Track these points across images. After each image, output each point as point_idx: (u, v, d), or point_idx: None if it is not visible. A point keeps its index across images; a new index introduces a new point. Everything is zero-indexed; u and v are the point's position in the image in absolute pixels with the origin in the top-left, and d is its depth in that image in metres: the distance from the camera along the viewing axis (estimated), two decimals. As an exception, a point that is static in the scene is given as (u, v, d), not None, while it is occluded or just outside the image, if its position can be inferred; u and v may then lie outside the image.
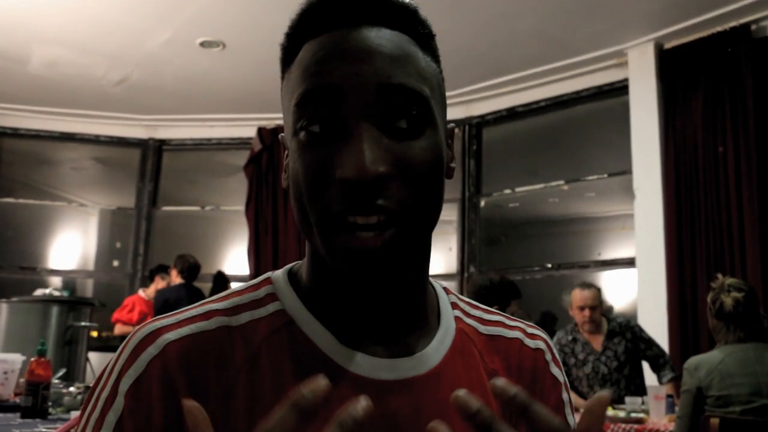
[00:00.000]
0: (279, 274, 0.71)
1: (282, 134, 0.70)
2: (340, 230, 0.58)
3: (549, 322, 5.68)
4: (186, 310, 0.66)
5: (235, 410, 0.61)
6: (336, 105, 0.59)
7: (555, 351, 0.77)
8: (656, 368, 3.70)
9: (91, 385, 0.76)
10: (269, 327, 0.65)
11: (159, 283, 5.46)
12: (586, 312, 3.72)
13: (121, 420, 0.59)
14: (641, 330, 3.75)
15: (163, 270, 5.52)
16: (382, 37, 0.62)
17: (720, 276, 2.91)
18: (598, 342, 3.75)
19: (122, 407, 0.60)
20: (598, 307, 3.75)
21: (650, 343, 3.73)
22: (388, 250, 0.58)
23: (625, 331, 3.73)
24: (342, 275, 0.63)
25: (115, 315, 5.42)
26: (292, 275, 0.70)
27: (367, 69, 0.59)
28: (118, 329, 5.38)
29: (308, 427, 0.60)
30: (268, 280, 0.70)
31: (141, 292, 5.57)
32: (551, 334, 5.48)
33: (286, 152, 0.69)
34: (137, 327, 0.65)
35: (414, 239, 0.61)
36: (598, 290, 3.79)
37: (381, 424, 0.62)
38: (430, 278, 0.75)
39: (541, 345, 0.75)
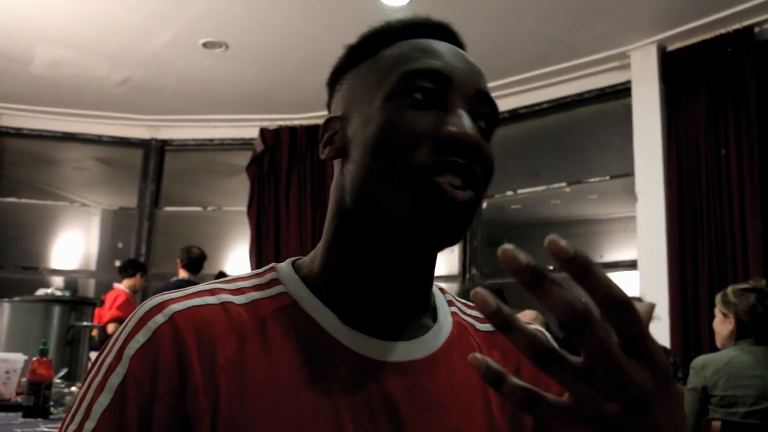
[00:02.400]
0: (283, 264, 0.73)
1: (332, 115, 0.72)
2: (433, 179, 0.61)
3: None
4: (190, 289, 0.67)
5: (247, 374, 0.62)
6: (442, 86, 0.65)
7: (553, 342, 0.76)
8: None
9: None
10: (274, 305, 0.67)
11: (138, 280, 5.37)
12: None
13: (125, 382, 0.60)
14: (679, 363, 3.78)
15: (140, 267, 5.46)
16: (466, 54, 0.72)
17: (754, 280, 2.89)
18: None
19: (126, 370, 0.60)
20: (647, 321, 3.72)
21: (665, 350, 3.78)
22: (470, 210, 0.64)
23: (667, 356, 3.74)
24: (395, 239, 0.65)
25: (107, 314, 5.25)
26: (295, 266, 0.73)
27: (471, 71, 0.69)
28: (112, 327, 5.14)
29: (308, 398, 0.62)
30: (272, 269, 0.72)
31: (120, 285, 5.39)
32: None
33: (332, 131, 0.71)
34: (145, 300, 0.66)
35: (475, 215, 0.66)
36: (651, 306, 3.72)
37: (378, 403, 0.64)
38: None
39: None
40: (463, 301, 0.79)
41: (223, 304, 0.65)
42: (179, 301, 0.64)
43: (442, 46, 0.69)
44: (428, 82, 0.65)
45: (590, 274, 0.46)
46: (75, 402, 0.62)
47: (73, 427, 0.60)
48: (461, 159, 0.62)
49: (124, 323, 0.64)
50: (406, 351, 0.67)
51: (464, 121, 0.63)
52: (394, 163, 0.63)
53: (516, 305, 3.40)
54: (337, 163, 0.71)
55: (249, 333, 0.64)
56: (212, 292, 0.66)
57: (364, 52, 0.72)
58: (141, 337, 0.61)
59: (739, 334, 2.77)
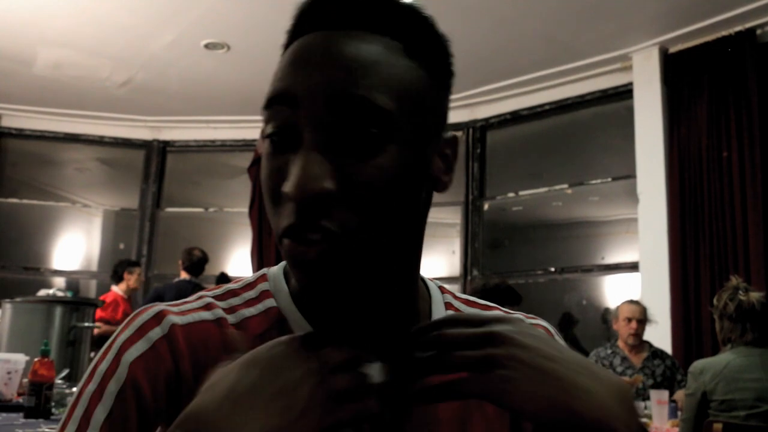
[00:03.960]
0: (275, 271, 0.71)
1: None
2: (292, 241, 0.56)
3: (567, 324, 5.68)
4: (186, 301, 0.67)
5: None
6: (292, 114, 0.56)
7: (558, 336, 0.75)
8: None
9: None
10: (262, 326, 0.65)
11: (129, 279, 5.36)
12: (633, 324, 3.74)
13: (124, 389, 0.59)
14: (679, 365, 3.79)
15: (129, 265, 5.45)
16: (354, 44, 0.57)
17: (734, 278, 2.90)
18: (637, 359, 3.77)
19: (125, 377, 0.59)
20: (644, 322, 3.79)
21: (665, 354, 3.80)
22: (330, 265, 0.55)
23: (665, 358, 3.78)
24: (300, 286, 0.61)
25: (98, 313, 5.22)
26: (287, 272, 0.70)
27: (320, 78, 0.55)
28: (99, 329, 5.09)
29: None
30: (264, 277, 0.70)
31: (116, 288, 5.38)
32: (569, 336, 5.50)
33: None
34: (140, 308, 0.65)
35: (359, 260, 0.56)
36: (645, 308, 3.83)
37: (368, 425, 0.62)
38: (427, 279, 0.74)
39: (542, 332, 0.74)
40: (464, 298, 0.76)
41: (218, 321, 0.65)
42: (177, 314, 0.63)
43: (307, 48, 0.58)
44: (277, 115, 0.57)
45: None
46: (66, 413, 0.60)
47: None
48: (302, 219, 0.55)
49: (118, 331, 0.63)
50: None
51: (299, 170, 0.53)
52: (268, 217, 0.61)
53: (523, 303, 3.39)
54: None
55: (240, 354, 0.63)
56: (207, 307, 0.65)
57: (284, 49, 0.64)
58: (141, 346, 0.61)
59: (739, 334, 2.76)
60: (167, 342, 0.61)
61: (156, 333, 0.61)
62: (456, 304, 0.74)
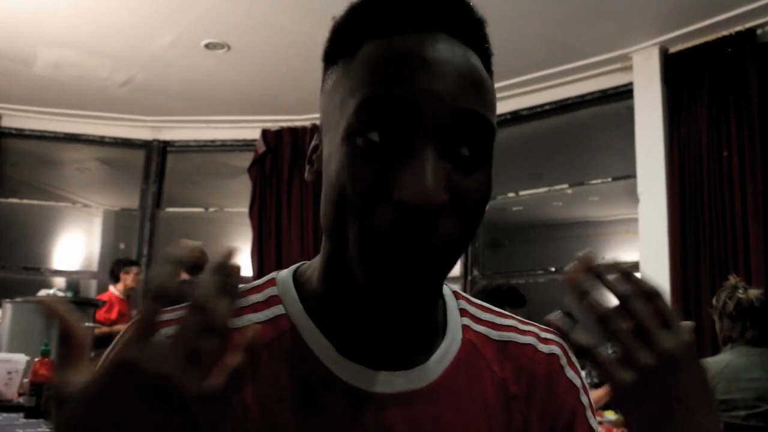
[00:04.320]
0: (284, 275, 0.69)
1: (316, 124, 0.68)
2: (386, 254, 0.54)
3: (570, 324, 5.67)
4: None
5: (236, 405, 0.60)
6: (405, 119, 0.54)
7: (571, 355, 0.74)
8: None
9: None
10: (270, 332, 0.64)
11: (126, 279, 5.36)
12: None
13: None
14: None
15: (125, 265, 5.43)
16: (458, 54, 0.58)
17: (732, 277, 2.90)
18: None
19: None
20: None
21: None
22: (432, 276, 0.56)
23: None
24: (371, 295, 0.58)
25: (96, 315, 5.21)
26: (297, 276, 0.69)
27: (445, 88, 0.55)
28: (96, 330, 5.06)
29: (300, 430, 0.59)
30: (272, 282, 0.69)
31: (113, 288, 5.38)
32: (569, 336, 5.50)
33: (314, 141, 0.67)
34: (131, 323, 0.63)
35: (451, 267, 0.59)
36: None
37: None
38: None
39: (556, 350, 0.73)
40: (479, 303, 0.75)
41: None
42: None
43: (419, 51, 0.56)
44: (390, 114, 0.54)
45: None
46: None
47: None
48: (414, 228, 0.53)
49: (118, 337, 0.61)
50: (406, 381, 0.64)
51: (421, 178, 0.52)
52: (345, 225, 0.56)
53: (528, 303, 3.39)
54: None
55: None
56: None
57: (344, 43, 0.61)
58: None
59: (739, 333, 2.76)
60: None
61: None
62: (471, 310, 0.73)
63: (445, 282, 0.75)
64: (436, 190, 0.53)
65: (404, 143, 0.54)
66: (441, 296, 0.69)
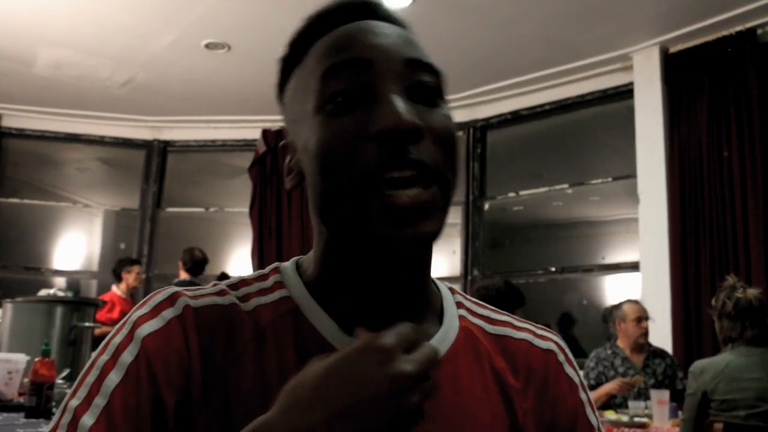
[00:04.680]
0: (287, 264, 0.72)
1: (284, 141, 0.71)
2: (377, 189, 0.58)
3: (567, 323, 5.68)
4: (201, 287, 0.68)
5: (241, 380, 0.62)
6: (365, 75, 0.61)
7: (568, 352, 0.75)
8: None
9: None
10: (275, 312, 0.66)
11: (128, 278, 5.36)
12: (644, 324, 3.72)
13: (137, 360, 0.59)
14: (678, 363, 3.78)
15: (127, 264, 5.44)
16: (390, 26, 0.67)
17: (730, 277, 2.91)
18: (637, 359, 3.74)
19: (139, 350, 0.60)
20: (648, 320, 3.78)
21: (666, 354, 3.79)
22: (431, 207, 0.60)
23: (665, 357, 3.77)
24: (368, 248, 0.61)
25: (97, 315, 5.19)
26: (298, 266, 0.72)
27: (390, 43, 0.64)
28: (97, 330, 4.99)
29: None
30: (276, 270, 0.71)
31: (115, 288, 5.39)
32: (569, 336, 5.50)
33: (288, 157, 0.70)
34: (156, 290, 0.67)
35: (447, 203, 0.62)
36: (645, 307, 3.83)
37: None
38: (436, 279, 0.75)
39: (552, 346, 0.74)
40: (474, 300, 0.77)
41: (231, 306, 0.65)
42: (192, 298, 0.65)
43: (360, 27, 0.65)
44: (347, 76, 0.61)
45: None
46: (78, 381, 0.61)
47: (75, 402, 0.59)
48: (398, 149, 0.58)
49: (134, 309, 0.64)
50: None
51: (392, 108, 0.58)
52: (337, 181, 0.60)
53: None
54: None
55: (251, 338, 0.64)
56: (221, 293, 0.67)
57: (292, 62, 0.70)
58: (155, 323, 0.62)
59: (739, 332, 2.76)
60: (180, 321, 0.62)
61: (170, 312, 0.63)
62: (467, 304, 0.75)
63: (442, 281, 0.76)
64: (408, 113, 0.58)
65: (370, 95, 0.61)
66: (429, 276, 0.70)
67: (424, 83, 0.63)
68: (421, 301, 0.69)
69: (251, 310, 0.66)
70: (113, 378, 0.59)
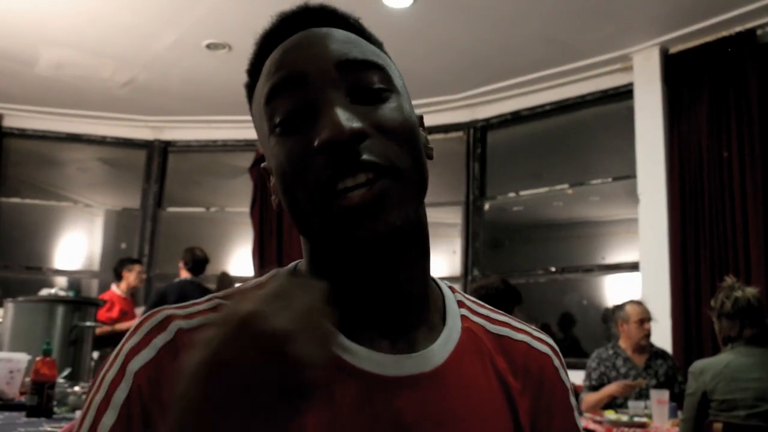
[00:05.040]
0: (284, 270, 0.72)
1: (263, 165, 0.72)
2: (331, 197, 0.59)
3: (568, 324, 5.68)
4: (194, 303, 0.66)
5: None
6: (302, 90, 0.62)
7: (561, 357, 0.76)
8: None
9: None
10: None
11: (128, 277, 5.37)
12: (647, 325, 3.71)
13: (129, 398, 0.59)
14: (679, 366, 3.78)
15: (128, 263, 5.45)
16: (333, 30, 0.66)
17: (728, 277, 2.91)
18: (639, 360, 3.73)
19: (131, 386, 0.59)
20: (650, 321, 3.77)
21: (666, 355, 3.79)
22: (383, 200, 0.59)
23: (667, 358, 3.76)
24: (342, 254, 0.62)
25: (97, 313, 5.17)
26: (296, 273, 0.71)
27: (323, 51, 0.63)
28: (98, 330, 4.96)
29: (313, 417, 0.59)
30: (274, 278, 0.70)
31: (115, 288, 5.38)
32: (569, 336, 5.50)
33: (271, 179, 0.70)
34: (146, 314, 0.65)
35: (403, 190, 0.61)
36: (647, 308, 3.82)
37: (386, 422, 0.62)
38: (436, 278, 0.75)
39: (548, 351, 0.75)
40: (473, 299, 0.77)
41: None
42: (184, 318, 0.63)
43: (294, 41, 0.65)
44: (287, 96, 0.62)
45: None
46: (78, 421, 0.60)
47: None
48: (342, 158, 0.58)
49: (125, 338, 0.63)
50: (413, 364, 0.65)
51: (331, 119, 0.58)
52: (298, 198, 0.61)
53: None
54: None
55: None
56: (216, 309, 0.65)
57: (252, 77, 0.71)
58: (146, 354, 0.61)
59: (738, 331, 2.77)
60: (171, 348, 0.61)
61: (161, 339, 0.61)
62: (468, 303, 0.75)
63: (443, 280, 0.76)
64: (347, 120, 0.58)
65: (312, 109, 0.61)
66: (427, 275, 0.69)
67: (365, 82, 0.63)
68: (421, 300, 0.69)
69: None
70: (108, 420, 0.58)
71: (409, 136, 0.63)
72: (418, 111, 0.70)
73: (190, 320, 0.63)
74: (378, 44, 0.70)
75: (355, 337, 0.64)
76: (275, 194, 0.69)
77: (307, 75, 0.62)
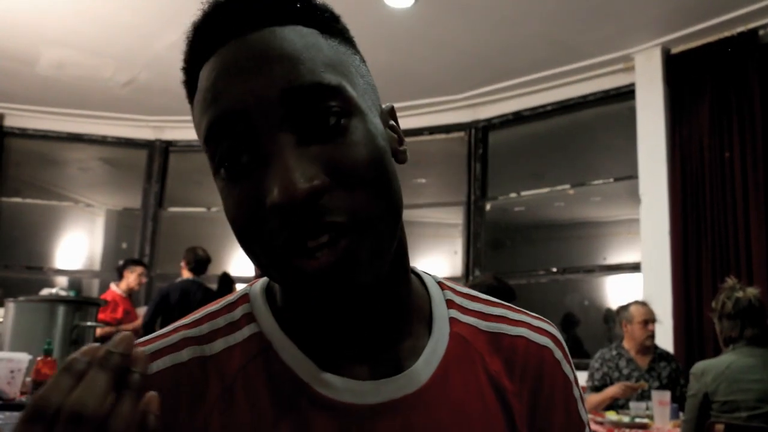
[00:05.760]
0: (257, 289, 0.67)
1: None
2: (292, 260, 0.53)
3: (569, 324, 5.67)
4: (159, 336, 0.62)
5: None
6: (244, 129, 0.53)
7: (564, 346, 0.72)
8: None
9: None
10: (245, 355, 0.61)
11: (129, 277, 5.38)
12: (651, 326, 3.69)
13: None
14: (682, 369, 3.76)
15: (131, 263, 5.46)
16: (276, 39, 0.55)
17: (729, 279, 2.91)
18: (643, 361, 3.71)
19: None
20: (655, 322, 3.75)
21: (669, 355, 3.78)
22: (351, 259, 0.53)
23: (671, 361, 3.74)
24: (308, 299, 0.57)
25: (100, 315, 5.20)
26: (269, 290, 0.67)
27: (264, 80, 0.53)
28: (100, 330, 4.81)
29: None
30: (245, 298, 0.66)
31: (114, 287, 5.37)
32: (571, 336, 5.49)
33: None
34: None
35: (374, 244, 0.54)
36: (652, 309, 3.81)
37: None
38: (423, 273, 0.71)
39: (548, 342, 0.71)
40: (466, 292, 0.72)
41: (191, 361, 0.60)
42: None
43: (233, 59, 0.55)
44: (226, 137, 0.54)
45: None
46: None
47: None
48: (300, 222, 0.52)
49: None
50: (394, 388, 0.61)
51: (282, 175, 0.51)
52: (254, 252, 0.55)
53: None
54: None
55: (217, 398, 0.59)
56: (179, 345, 0.61)
57: (189, 88, 0.63)
58: None
59: (739, 332, 2.76)
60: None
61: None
62: (458, 300, 0.70)
63: (432, 274, 0.72)
64: (301, 178, 0.51)
65: (258, 151, 0.53)
66: (406, 286, 0.65)
67: (317, 113, 0.53)
68: (403, 315, 0.64)
69: (218, 354, 0.61)
70: None
71: (376, 174, 0.54)
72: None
73: (153, 362, 0.59)
74: (332, 29, 0.60)
75: (334, 367, 0.61)
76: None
77: (248, 113, 0.53)
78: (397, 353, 0.63)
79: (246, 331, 0.62)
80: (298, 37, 0.56)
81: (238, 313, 0.64)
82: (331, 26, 0.60)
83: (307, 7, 0.59)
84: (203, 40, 0.58)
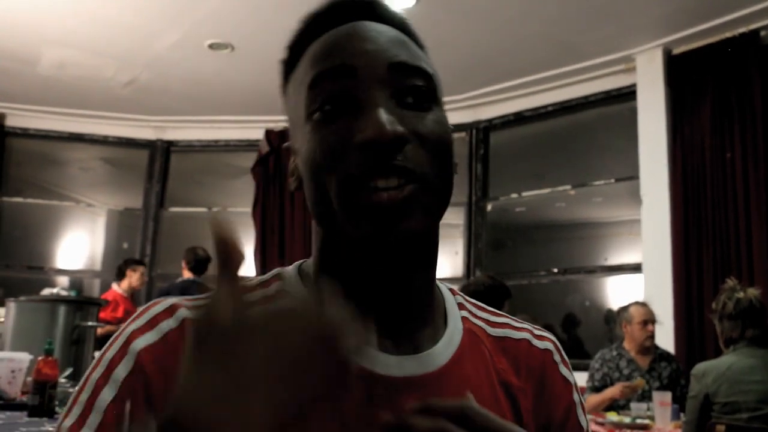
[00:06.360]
0: (289, 270, 0.71)
1: (287, 143, 0.71)
2: (361, 191, 0.59)
3: (570, 325, 5.67)
4: (199, 297, 0.64)
5: None
6: (349, 82, 0.61)
7: (563, 352, 0.77)
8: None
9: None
10: None
11: (132, 277, 5.38)
12: (650, 327, 3.69)
13: (131, 376, 0.58)
14: (682, 369, 3.76)
15: (133, 263, 5.46)
16: (383, 27, 0.66)
17: (730, 280, 2.91)
18: (643, 361, 3.71)
19: (134, 364, 0.58)
20: (655, 323, 3.75)
21: (670, 356, 3.77)
22: (411, 205, 0.59)
23: (671, 361, 3.74)
24: (359, 249, 0.62)
25: (101, 314, 5.16)
26: (301, 272, 0.70)
27: (376, 48, 0.63)
28: (101, 329, 4.58)
29: (320, 418, 0.59)
30: (278, 277, 0.70)
31: (116, 286, 5.38)
32: (572, 337, 5.49)
33: (292, 159, 0.70)
34: (153, 300, 0.64)
35: (431, 203, 0.61)
36: (652, 309, 3.80)
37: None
38: (437, 280, 0.74)
39: (549, 346, 0.75)
40: (473, 302, 0.77)
41: None
42: (191, 309, 0.62)
43: (348, 32, 0.65)
44: (332, 85, 0.62)
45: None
46: (72, 399, 0.59)
47: (69, 421, 0.57)
48: (379, 159, 0.58)
49: (128, 321, 0.62)
50: (417, 365, 0.65)
51: (374, 118, 0.58)
52: (325, 186, 0.61)
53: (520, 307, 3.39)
54: None
55: None
56: None
57: (291, 65, 0.70)
58: (151, 336, 0.60)
59: (740, 332, 2.76)
60: (178, 335, 0.60)
61: (168, 324, 0.61)
62: (468, 306, 0.75)
63: (445, 282, 0.76)
64: (390, 123, 0.58)
65: (355, 103, 0.61)
66: (434, 278, 0.69)
67: (412, 87, 0.62)
68: (427, 303, 0.69)
69: None
70: (106, 395, 0.57)
71: (445, 151, 0.63)
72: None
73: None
74: (424, 49, 0.70)
75: None
76: (294, 176, 0.69)
77: (357, 69, 0.62)
78: (418, 337, 0.67)
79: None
80: (400, 33, 0.67)
81: (272, 289, 0.67)
82: (414, 35, 0.70)
83: (404, 23, 0.70)
84: (319, 24, 0.67)
